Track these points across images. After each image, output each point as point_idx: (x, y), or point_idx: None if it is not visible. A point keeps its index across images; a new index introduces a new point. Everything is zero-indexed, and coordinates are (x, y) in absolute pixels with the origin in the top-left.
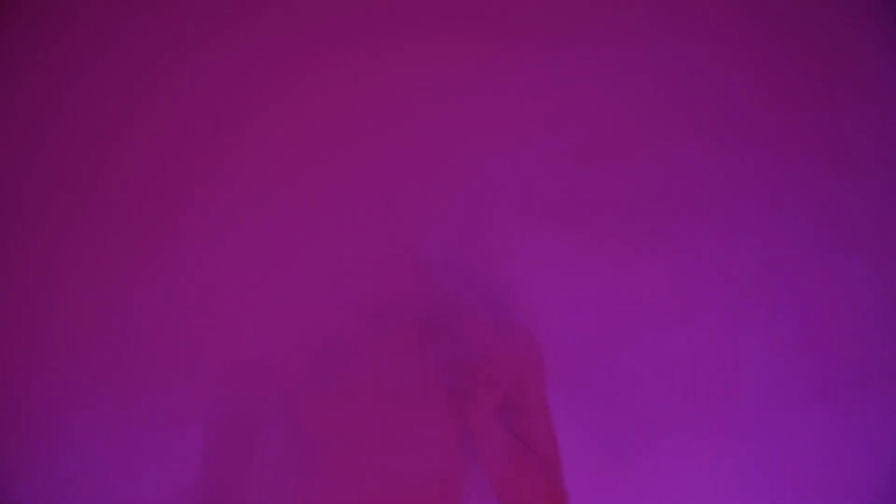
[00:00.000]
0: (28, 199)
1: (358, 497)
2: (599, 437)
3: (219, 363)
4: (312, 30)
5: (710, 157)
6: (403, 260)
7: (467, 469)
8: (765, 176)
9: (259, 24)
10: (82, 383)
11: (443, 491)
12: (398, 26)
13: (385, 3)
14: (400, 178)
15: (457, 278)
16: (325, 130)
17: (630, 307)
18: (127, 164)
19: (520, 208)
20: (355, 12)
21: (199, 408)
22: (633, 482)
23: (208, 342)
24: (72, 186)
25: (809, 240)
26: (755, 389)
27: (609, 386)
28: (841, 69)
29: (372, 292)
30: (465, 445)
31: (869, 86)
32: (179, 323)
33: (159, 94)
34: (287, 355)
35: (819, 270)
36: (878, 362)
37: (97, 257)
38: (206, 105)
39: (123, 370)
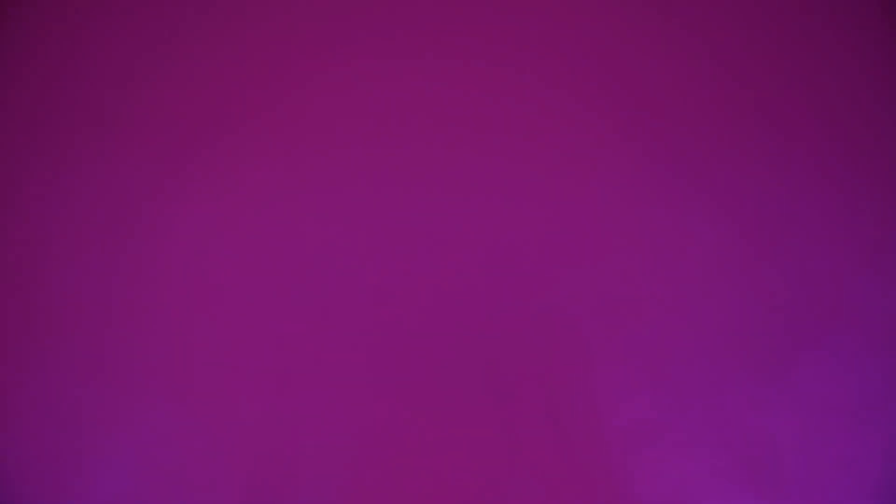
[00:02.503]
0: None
1: (401, 496)
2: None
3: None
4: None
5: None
6: (445, 263)
7: (513, 465)
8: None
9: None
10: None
11: (488, 488)
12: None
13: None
14: (407, 179)
15: (499, 280)
16: (339, 134)
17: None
18: (124, 162)
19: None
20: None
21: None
22: None
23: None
24: (69, 194)
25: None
26: None
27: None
28: None
29: (411, 296)
30: (512, 442)
31: None
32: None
33: (158, 89)
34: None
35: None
36: None
37: (97, 263)
38: (206, 112)
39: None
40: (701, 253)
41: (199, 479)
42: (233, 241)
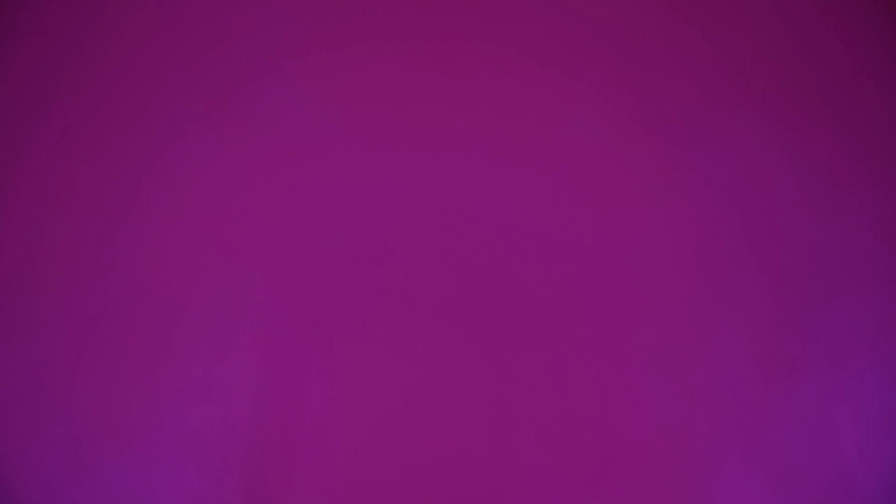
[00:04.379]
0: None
1: (403, 468)
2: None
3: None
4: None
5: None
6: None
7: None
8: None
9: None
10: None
11: (489, 475)
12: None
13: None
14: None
15: (505, 259)
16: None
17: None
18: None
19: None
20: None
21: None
22: None
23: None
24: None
25: None
26: None
27: None
28: None
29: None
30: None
31: None
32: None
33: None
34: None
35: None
36: None
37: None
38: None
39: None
40: (709, 241)
41: (199, 475)
42: (231, 229)
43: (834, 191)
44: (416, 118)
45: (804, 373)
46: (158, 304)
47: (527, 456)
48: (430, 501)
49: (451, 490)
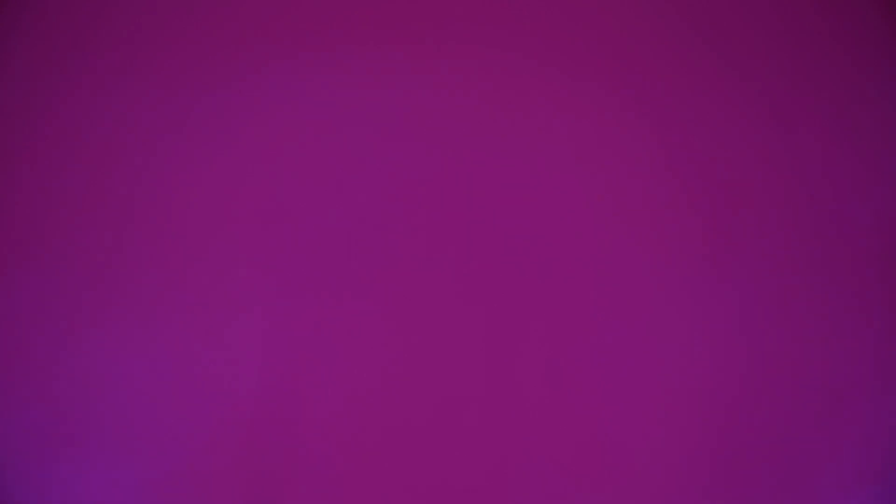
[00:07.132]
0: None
1: (401, 454)
2: None
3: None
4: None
5: None
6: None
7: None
8: None
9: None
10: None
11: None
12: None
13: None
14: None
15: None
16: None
17: None
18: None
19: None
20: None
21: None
22: None
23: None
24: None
25: None
26: None
27: None
28: None
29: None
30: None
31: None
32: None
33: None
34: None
35: None
36: None
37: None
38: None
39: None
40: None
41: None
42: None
43: (834, 189)
44: (419, 117)
45: (809, 375)
46: (152, 284)
47: (526, 446)
48: (427, 489)
49: (449, 476)
